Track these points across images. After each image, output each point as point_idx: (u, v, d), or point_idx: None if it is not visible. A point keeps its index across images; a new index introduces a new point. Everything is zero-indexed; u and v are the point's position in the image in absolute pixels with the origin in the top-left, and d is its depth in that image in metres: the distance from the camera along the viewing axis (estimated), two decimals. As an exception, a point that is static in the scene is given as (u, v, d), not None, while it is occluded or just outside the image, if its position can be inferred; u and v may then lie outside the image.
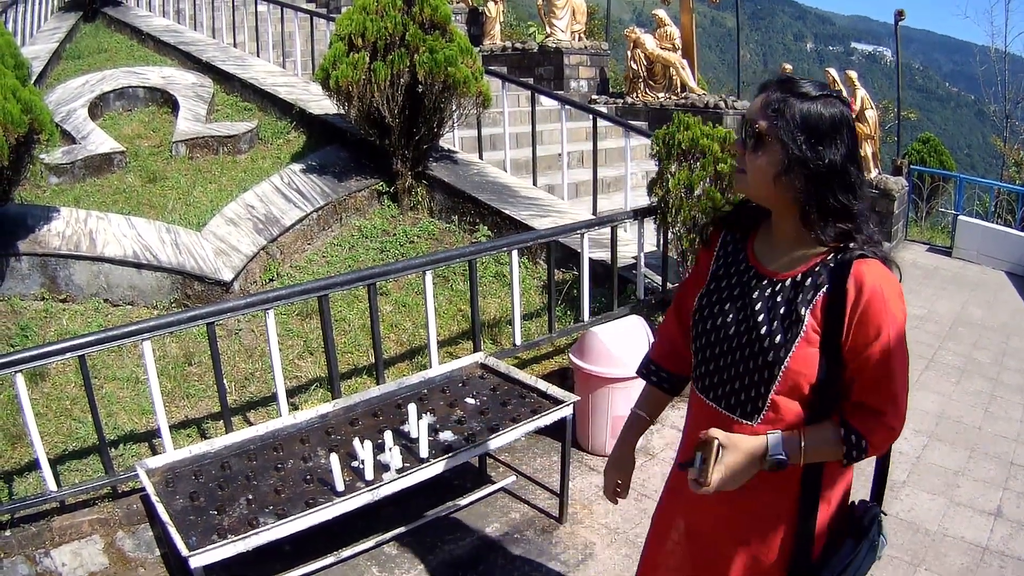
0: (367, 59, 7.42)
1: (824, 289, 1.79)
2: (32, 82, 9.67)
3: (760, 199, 1.88)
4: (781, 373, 1.80)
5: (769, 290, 1.88)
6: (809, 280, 1.82)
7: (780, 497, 1.93)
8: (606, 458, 2.42)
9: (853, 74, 12.09)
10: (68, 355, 3.70)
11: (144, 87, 10.64)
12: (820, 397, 1.82)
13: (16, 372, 3.59)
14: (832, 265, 1.79)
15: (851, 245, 1.78)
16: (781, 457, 1.79)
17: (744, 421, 1.89)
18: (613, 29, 18.96)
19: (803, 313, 1.80)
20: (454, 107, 7.75)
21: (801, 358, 1.79)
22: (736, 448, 1.79)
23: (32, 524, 3.88)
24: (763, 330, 1.84)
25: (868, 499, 2.14)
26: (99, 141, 8.82)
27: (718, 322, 1.97)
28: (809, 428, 1.82)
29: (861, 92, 11.32)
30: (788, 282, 1.85)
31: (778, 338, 1.81)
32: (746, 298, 1.92)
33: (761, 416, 1.86)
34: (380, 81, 7.35)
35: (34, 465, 4.15)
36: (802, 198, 1.75)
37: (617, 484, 2.38)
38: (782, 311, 1.84)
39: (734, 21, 19.18)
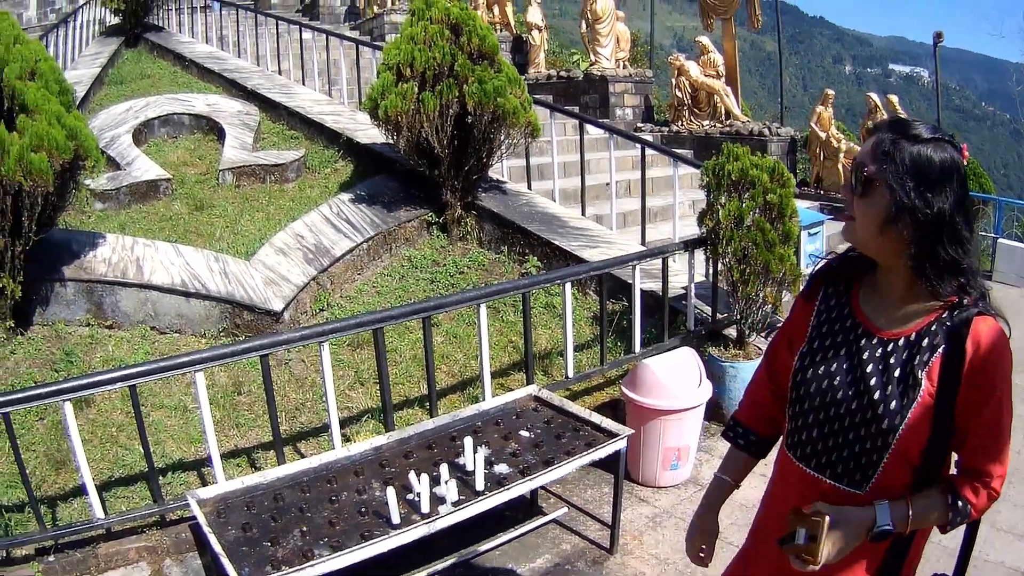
0: (416, 89, 7.60)
1: (941, 349, 1.72)
2: (76, 107, 10.15)
3: (867, 249, 1.81)
4: (895, 440, 1.74)
5: (880, 350, 1.80)
6: (925, 340, 1.75)
7: (863, 564, 1.85)
8: (657, 489, 2.46)
9: (894, 99, 12.14)
10: (118, 385, 3.85)
11: (189, 114, 10.97)
12: (927, 461, 1.76)
13: (64, 401, 3.78)
14: (949, 324, 1.72)
15: (965, 301, 1.72)
16: (888, 528, 1.73)
17: (851, 490, 1.82)
18: (655, 56, 19.24)
19: (920, 376, 1.73)
20: (503, 137, 7.91)
21: (915, 423, 1.72)
22: (846, 522, 1.73)
23: (77, 550, 3.96)
24: (876, 395, 1.76)
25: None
26: (145, 168, 9.12)
27: (823, 385, 1.88)
28: (917, 496, 1.76)
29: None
30: (901, 342, 1.78)
31: (893, 403, 1.74)
32: (854, 359, 1.83)
33: (870, 484, 1.80)
34: (429, 111, 7.53)
35: (79, 491, 4.23)
36: (911, 250, 1.69)
37: (701, 549, 2.30)
38: (897, 374, 1.76)
39: (774, 45, 19.40)
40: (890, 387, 1.76)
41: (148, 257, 6.89)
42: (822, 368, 1.89)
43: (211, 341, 6.38)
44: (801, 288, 2.62)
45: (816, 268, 2.07)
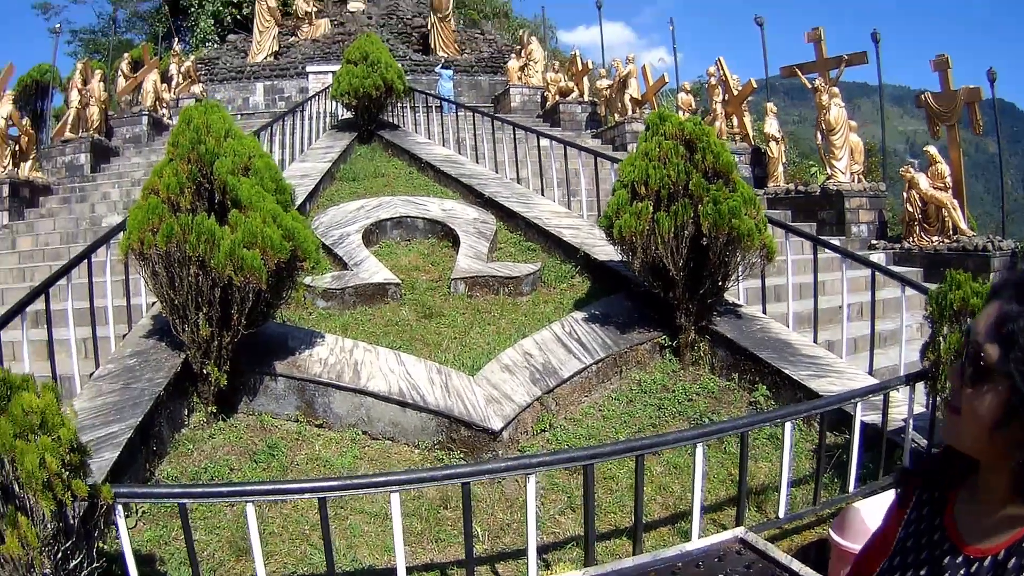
0: (650, 208, 7.99)
1: None
2: (302, 201, 11.15)
3: (969, 449, 1.58)
4: None
5: (963, 570, 1.58)
6: (1012, 560, 1.49)
7: None
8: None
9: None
10: (307, 496, 4.21)
11: (424, 218, 11.78)
12: None
13: (247, 502, 4.14)
14: None
15: None
16: None
17: None
18: (888, 165, 20.17)
19: None
20: (738, 259, 8.13)
21: None
22: None
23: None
24: None
25: None
26: (373, 270, 9.86)
27: None
28: None
29: None
30: (987, 562, 1.54)
31: None
32: None
33: None
34: (664, 233, 7.89)
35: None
36: (1020, 456, 1.45)
37: None
38: None
39: (995, 146, 19.22)
40: None
41: (367, 362, 7.44)
42: None
43: (424, 453, 6.76)
44: None
45: (908, 471, 1.89)
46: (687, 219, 7.87)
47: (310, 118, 18.66)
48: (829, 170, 15.51)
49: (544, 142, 14.35)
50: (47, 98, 26.61)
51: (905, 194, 14.05)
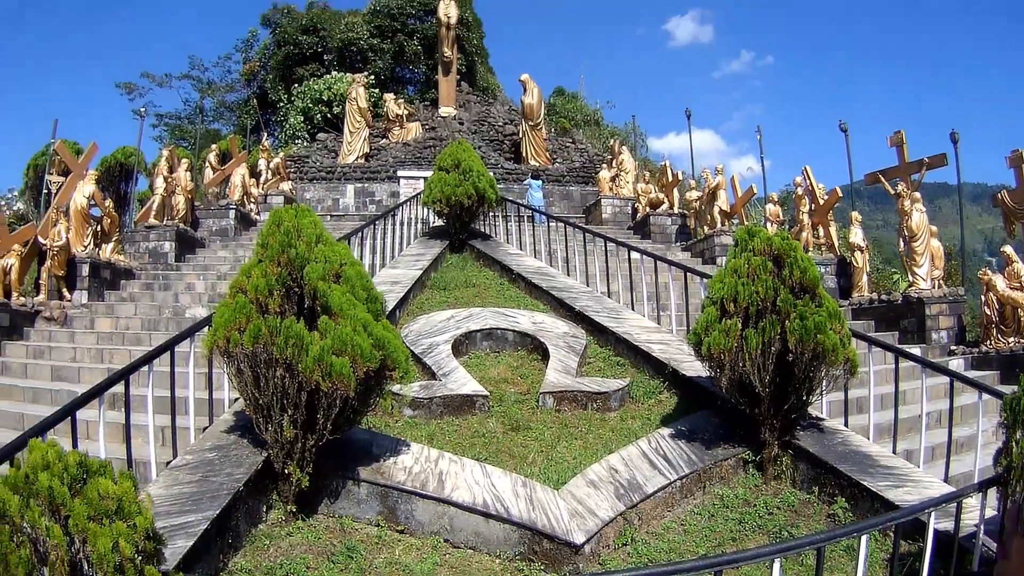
0: (739, 325, 8.33)
1: None
2: (392, 307, 11.57)
3: None
4: None
5: None
6: None
7: None
8: None
9: None
10: None
11: (514, 331, 12.10)
12: None
13: None
14: None
15: None
16: None
17: None
18: (967, 267, 21.14)
19: None
20: (822, 374, 8.37)
21: None
22: None
23: None
24: None
25: None
26: (461, 381, 10.13)
27: None
28: None
29: None
30: None
31: None
32: None
33: None
34: (751, 349, 8.20)
35: None
36: None
37: None
38: None
39: None
40: None
41: (452, 473, 7.70)
42: None
43: (505, 563, 6.96)
44: None
45: None
46: (774, 335, 8.17)
47: (401, 223, 19.34)
48: (911, 277, 16.43)
49: (635, 255, 14.72)
50: (131, 181, 28.00)
51: (983, 297, 14.67)
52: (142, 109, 26.93)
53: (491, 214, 19.89)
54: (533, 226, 19.58)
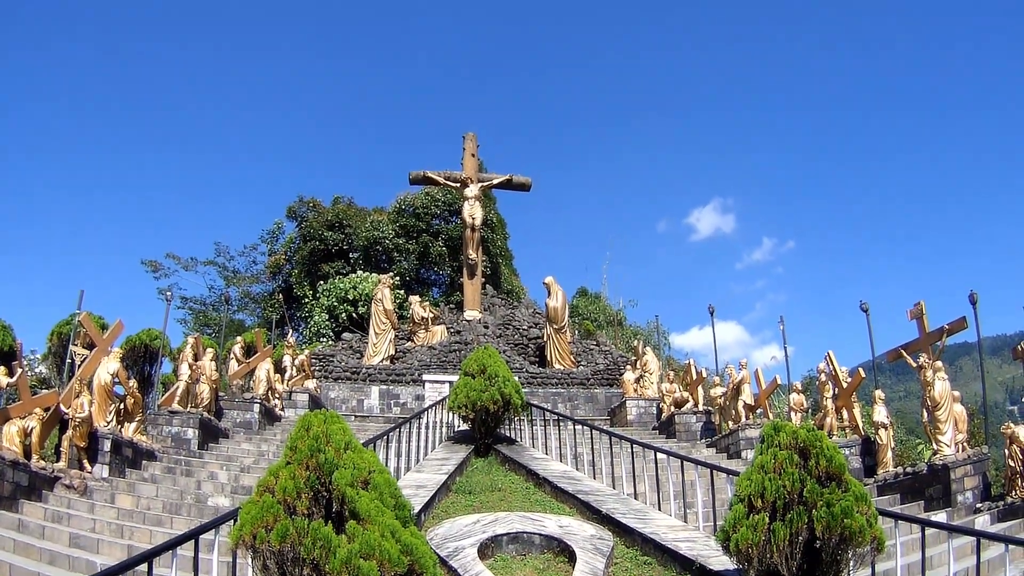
0: (766, 520, 8.75)
1: None
2: (417, 511, 11.78)
3: None
4: None
5: None
6: None
7: None
8: None
9: None
10: None
11: (540, 534, 12.35)
12: None
13: None
14: None
15: None
16: None
17: None
18: (989, 422, 21.51)
19: None
20: (849, 555, 8.70)
21: None
22: None
23: None
24: None
25: None
26: (488, 585, 10.38)
27: None
28: None
29: None
30: None
31: None
32: None
33: None
34: (779, 541, 8.60)
35: None
36: None
37: None
38: None
39: None
40: None
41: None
42: None
43: None
44: None
45: None
46: (801, 525, 8.56)
47: (426, 427, 19.77)
48: (935, 445, 16.97)
49: (661, 456, 15.03)
50: (156, 364, 28.51)
51: (1006, 449, 15.07)
52: (168, 292, 27.75)
53: (518, 417, 20.18)
54: (559, 429, 19.85)
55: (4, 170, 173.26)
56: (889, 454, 18.83)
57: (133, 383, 19.38)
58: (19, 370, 16.85)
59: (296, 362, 28.63)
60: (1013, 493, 14.79)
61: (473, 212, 36.54)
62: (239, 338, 29.44)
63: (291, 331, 35.85)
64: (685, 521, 13.62)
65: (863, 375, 21.59)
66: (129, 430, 18.51)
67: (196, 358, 22.89)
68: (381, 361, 32.27)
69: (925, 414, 17.58)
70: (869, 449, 19.75)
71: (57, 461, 16.74)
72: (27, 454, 15.63)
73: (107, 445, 17.20)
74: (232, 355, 27.33)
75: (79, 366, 19.11)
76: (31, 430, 16.02)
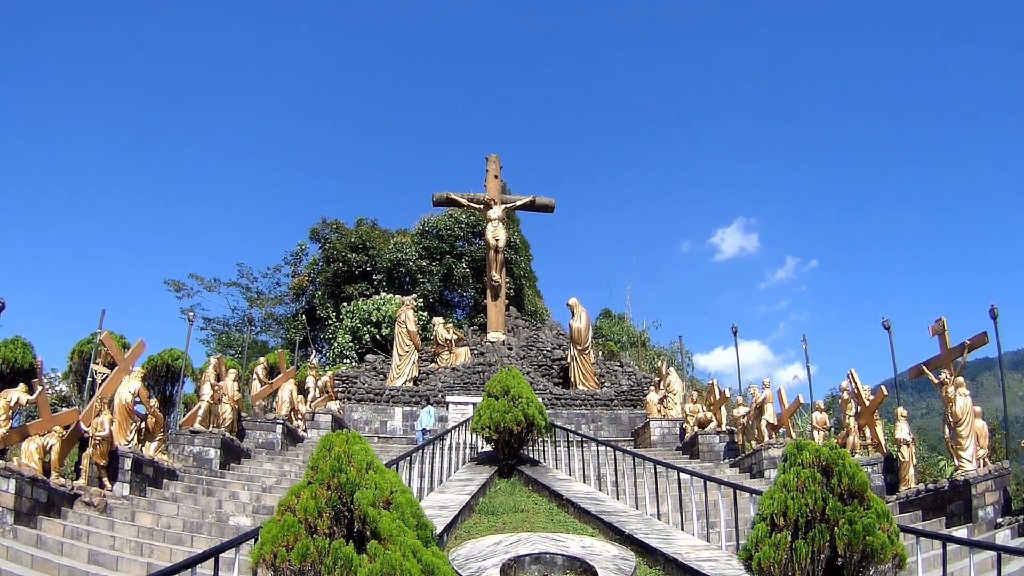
0: (788, 538, 8.73)
1: None
2: (440, 531, 11.77)
3: None
4: None
5: None
6: None
7: None
8: None
9: None
10: None
11: (562, 555, 12.33)
12: None
13: None
14: None
15: None
16: None
17: None
18: (1010, 438, 22.23)
19: None
20: (871, 573, 8.64)
21: None
22: None
23: None
24: None
25: None
26: (509, 603, 10.35)
27: None
28: None
29: None
30: None
31: None
32: None
33: None
34: (801, 560, 8.59)
35: None
36: None
37: None
38: None
39: None
40: None
41: None
42: None
43: None
44: None
45: None
46: (823, 543, 8.55)
47: (449, 448, 19.80)
48: (956, 461, 17.25)
49: (684, 476, 14.97)
50: (178, 384, 28.66)
51: None
52: (191, 312, 27.95)
53: (541, 439, 20.17)
54: (583, 450, 19.82)
55: (27, 189, 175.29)
56: (911, 471, 19.01)
57: (154, 403, 19.58)
58: (39, 388, 16.99)
59: (319, 383, 28.77)
60: (1034, 507, 14.61)
61: (497, 234, 36.67)
62: (262, 359, 29.60)
63: (314, 352, 35.99)
64: (708, 541, 13.65)
65: (885, 393, 21.73)
66: (150, 449, 18.68)
67: (219, 378, 23.09)
68: (404, 383, 32.35)
69: (947, 430, 17.76)
70: (891, 467, 19.91)
71: (77, 478, 16.87)
72: (46, 471, 15.80)
73: (128, 463, 17.39)
74: (255, 376, 27.48)
75: (100, 385, 19.27)
76: (50, 447, 16.24)
